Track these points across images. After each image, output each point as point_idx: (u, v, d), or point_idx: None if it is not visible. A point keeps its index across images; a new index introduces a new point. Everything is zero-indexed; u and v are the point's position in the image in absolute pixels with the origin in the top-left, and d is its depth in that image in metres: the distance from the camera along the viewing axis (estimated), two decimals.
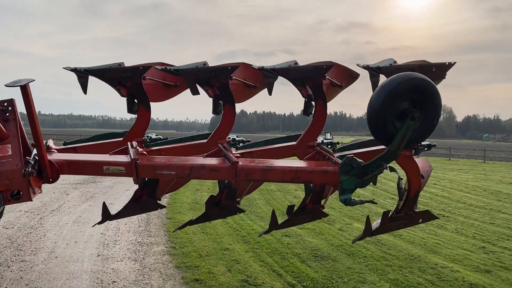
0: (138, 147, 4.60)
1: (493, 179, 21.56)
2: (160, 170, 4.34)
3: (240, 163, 4.34)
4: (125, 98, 4.84)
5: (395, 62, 4.78)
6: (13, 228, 8.65)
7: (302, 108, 5.05)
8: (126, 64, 4.69)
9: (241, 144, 5.54)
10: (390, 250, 7.78)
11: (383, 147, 4.96)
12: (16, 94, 4.40)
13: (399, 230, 9.36)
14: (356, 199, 4.44)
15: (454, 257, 7.54)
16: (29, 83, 3.94)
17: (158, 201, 5.15)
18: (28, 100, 4.00)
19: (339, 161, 4.39)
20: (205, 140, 5.05)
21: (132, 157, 4.26)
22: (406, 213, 5.14)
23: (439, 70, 4.65)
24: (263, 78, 4.67)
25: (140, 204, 5.07)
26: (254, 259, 7.09)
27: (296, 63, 4.84)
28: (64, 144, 5.25)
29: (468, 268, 6.95)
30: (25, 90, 3.96)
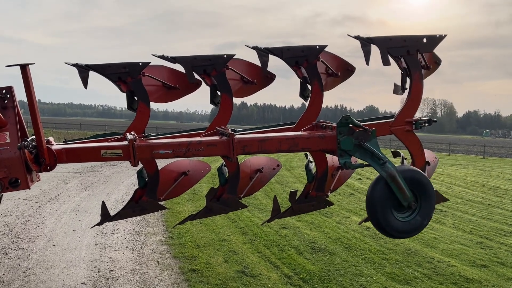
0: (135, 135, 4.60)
1: (492, 174, 21.58)
2: (157, 149, 4.31)
3: (237, 136, 4.34)
4: (125, 94, 4.83)
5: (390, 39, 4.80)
6: (11, 215, 8.67)
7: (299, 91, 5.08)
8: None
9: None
10: (387, 243, 7.80)
11: None
12: (14, 83, 4.38)
13: None
14: (357, 162, 4.42)
15: (451, 251, 7.57)
16: (29, 65, 3.95)
17: (159, 202, 5.07)
18: (27, 81, 4.00)
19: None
20: (204, 131, 5.02)
21: (129, 138, 4.25)
22: None
23: (430, 42, 4.69)
24: (258, 57, 4.69)
25: (140, 205, 4.99)
26: (252, 250, 7.11)
27: None
28: (64, 142, 5.23)
29: (465, 263, 6.98)
30: (24, 70, 3.95)
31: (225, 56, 4.69)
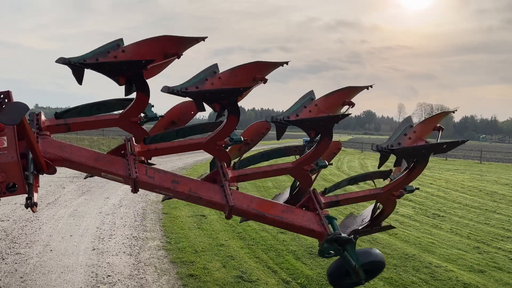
0: (135, 150, 4.59)
1: (489, 179, 21.64)
2: (158, 189, 4.60)
3: (236, 205, 4.62)
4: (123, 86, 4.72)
5: (411, 126, 4.69)
6: (8, 220, 8.63)
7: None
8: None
9: (238, 142, 5.49)
10: (385, 248, 7.81)
11: (375, 189, 5.32)
12: (14, 87, 4.37)
13: (394, 229, 9.43)
14: (332, 251, 4.87)
15: (448, 256, 7.58)
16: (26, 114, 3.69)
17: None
18: (26, 130, 3.88)
19: (327, 226, 4.80)
20: (205, 140, 4.96)
21: (132, 176, 4.38)
22: (372, 228, 5.66)
23: (448, 146, 4.80)
24: (276, 129, 4.69)
25: None
26: (249, 255, 7.10)
27: (312, 99, 4.75)
28: (55, 116, 4.97)
29: (462, 268, 6.99)
30: (22, 124, 3.72)
31: (241, 89, 4.55)
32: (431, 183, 18.93)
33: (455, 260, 7.37)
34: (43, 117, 4.68)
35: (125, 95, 4.72)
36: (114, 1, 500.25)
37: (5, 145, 4.08)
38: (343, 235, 4.74)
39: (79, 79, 4.31)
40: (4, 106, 4.01)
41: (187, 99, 4.99)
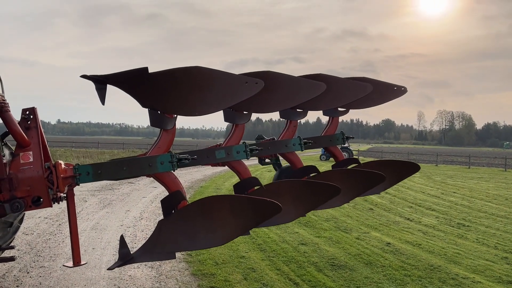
0: None
1: None
2: None
3: None
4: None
5: None
6: (32, 234, 8.79)
7: None
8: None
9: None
10: (409, 259, 7.63)
11: None
12: (37, 103, 4.48)
13: (418, 239, 9.20)
14: None
15: (475, 267, 7.36)
16: None
17: None
18: None
19: None
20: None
21: None
22: None
23: None
24: None
25: None
26: (270, 267, 7.04)
27: None
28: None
29: (490, 279, 6.77)
30: None
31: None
32: (454, 192, 18.51)
33: (483, 271, 7.15)
34: (62, 165, 4.39)
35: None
36: (123, 19, 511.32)
37: (31, 159, 4.19)
38: None
39: (102, 97, 4.33)
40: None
41: None
